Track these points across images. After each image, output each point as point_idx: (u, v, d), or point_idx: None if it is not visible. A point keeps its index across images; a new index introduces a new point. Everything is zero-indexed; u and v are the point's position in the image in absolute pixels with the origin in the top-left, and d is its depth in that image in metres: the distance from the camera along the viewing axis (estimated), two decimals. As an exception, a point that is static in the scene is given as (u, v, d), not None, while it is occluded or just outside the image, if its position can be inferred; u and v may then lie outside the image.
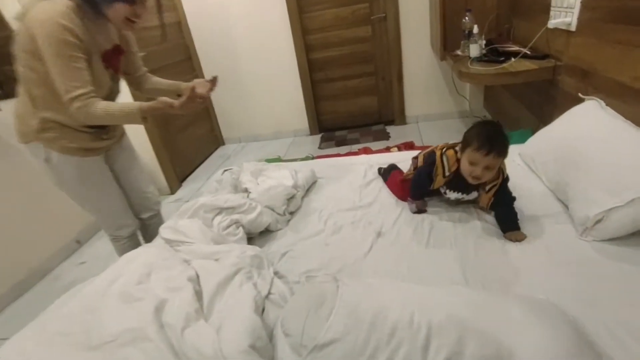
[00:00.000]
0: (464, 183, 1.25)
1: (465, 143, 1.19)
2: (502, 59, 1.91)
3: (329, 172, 1.82)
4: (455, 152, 1.27)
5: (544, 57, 1.82)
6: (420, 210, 1.38)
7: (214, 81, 1.49)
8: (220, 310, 0.89)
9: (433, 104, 3.41)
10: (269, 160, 2.25)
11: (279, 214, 1.44)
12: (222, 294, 0.94)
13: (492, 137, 1.13)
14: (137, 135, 2.73)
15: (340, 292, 0.83)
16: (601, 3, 1.41)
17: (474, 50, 2.06)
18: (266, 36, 3.28)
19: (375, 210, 1.45)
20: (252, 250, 1.11)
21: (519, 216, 1.22)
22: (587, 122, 1.34)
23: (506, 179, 1.25)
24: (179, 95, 1.51)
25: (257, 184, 1.58)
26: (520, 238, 1.17)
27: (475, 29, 2.06)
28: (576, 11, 1.55)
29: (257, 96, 3.57)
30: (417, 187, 1.38)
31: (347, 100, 3.56)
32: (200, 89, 1.45)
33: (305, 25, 3.23)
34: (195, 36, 3.37)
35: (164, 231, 1.21)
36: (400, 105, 3.46)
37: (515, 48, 1.93)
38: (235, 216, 1.31)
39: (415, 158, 1.49)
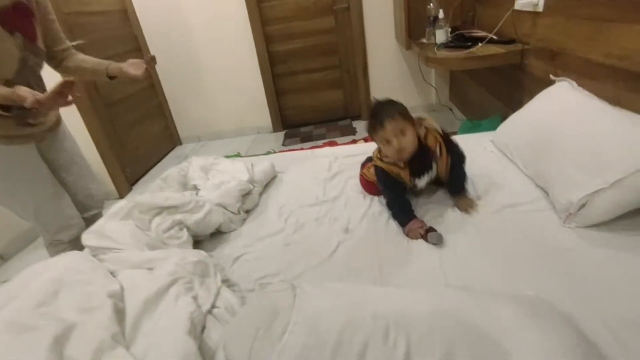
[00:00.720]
0: (419, 163, 1.15)
1: (371, 136, 1.14)
2: (469, 44, 1.83)
3: (290, 166, 1.66)
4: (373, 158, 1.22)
5: (511, 41, 1.75)
6: (439, 239, 1.04)
7: (150, 62, 1.29)
8: (148, 334, 0.70)
9: (399, 97, 3.29)
10: (226, 157, 2.05)
11: (232, 212, 1.26)
12: (152, 311, 0.75)
13: (375, 111, 1.11)
14: (75, 131, 2.43)
15: (297, 304, 0.67)
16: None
17: (440, 36, 1.98)
18: (223, 26, 3.07)
19: (341, 205, 1.30)
20: (195, 255, 0.92)
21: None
22: (560, 103, 1.27)
23: (446, 137, 1.17)
24: (111, 77, 1.30)
25: (207, 180, 1.39)
26: (469, 205, 1.13)
27: (441, 14, 1.97)
28: (543, -11, 1.48)
29: (216, 91, 3.35)
30: (395, 202, 1.18)
31: (311, 94, 3.41)
32: (133, 70, 1.24)
33: (265, 15, 3.05)
34: (144, 25, 3.10)
35: (86, 237, 1.00)
36: (367, 98, 3.35)
37: (481, 33, 1.86)
38: (179, 216, 1.11)
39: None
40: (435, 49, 1.93)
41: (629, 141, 0.97)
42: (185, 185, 1.44)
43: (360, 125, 3.30)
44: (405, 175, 1.16)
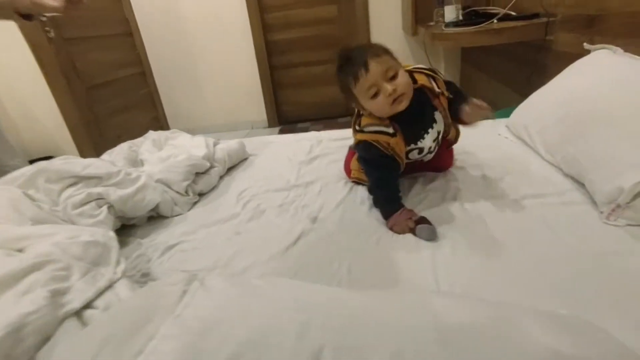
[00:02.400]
0: (418, 116, 0.88)
1: (347, 92, 0.86)
2: (483, 20, 1.57)
3: (265, 149, 1.40)
4: (360, 114, 0.92)
5: (533, 16, 1.49)
6: (431, 234, 0.77)
7: None
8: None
9: (405, 96, 3.08)
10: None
11: (178, 192, 1.00)
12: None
13: (349, 55, 0.83)
14: (45, 114, 2.24)
15: (184, 304, 0.40)
16: None
17: (450, 13, 1.73)
18: (219, 12, 2.87)
19: (315, 191, 1.04)
20: (91, 234, 0.67)
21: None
22: (601, 71, 0.99)
23: (436, 73, 0.90)
24: (24, 16, 1.06)
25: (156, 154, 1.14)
26: (479, 105, 0.80)
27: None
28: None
29: (210, 82, 3.14)
30: (379, 185, 0.91)
31: (311, 89, 3.18)
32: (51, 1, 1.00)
33: (264, 1, 2.85)
34: (136, 9, 2.92)
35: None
36: (370, 96, 3.10)
37: (497, 9, 1.60)
38: (98, 189, 0.86)
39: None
40: (444, 26, 1.68)
41: None
42: (134, 162, 1.20)
43: (362, 124, 3.04)
44: (398, 144, 0.86)
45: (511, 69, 1.80)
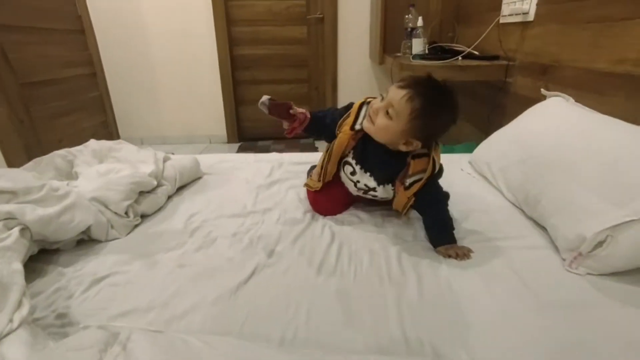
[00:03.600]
0: (376, 158, 0.86)
1: None
2: (448, 55, 1.61)
3: (222, 168, 1.30)
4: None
5: (494, 57, 1.55)
6: (272, 107, 0.85)
7: None
8: None
9: (368, 122, 3.11)
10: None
11: (116, 213, 0.88)
12: None
13: (426, 81, 0.77)
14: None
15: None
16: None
17: (417, 45, 1.76)
18: (183, 19, 2.75)
19: (273, 219, 0.95)
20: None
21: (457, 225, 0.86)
22: (558, 118, 1.03)
23: (437, 174, 0.85)
24: None
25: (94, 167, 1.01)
26: (459, 253, 0.78)
27: (420, 22, 1.77)
28: (535, -4, 1.30)
29: (168, 91, 2.97)
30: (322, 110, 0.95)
31: (274, 107, 3.11)
32: None
33: (232, 14, 2.78)
34: (91, 6, 2.73)
35: None
36: (333, 119, 3.10)
37: (462, 48, 1.66)
38: (9, 207, 0.72)
39: None
40: (411, 58, 1.71)
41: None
42: (67, 175, 1.04)
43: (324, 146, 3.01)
44: (347, 130, 0.87)
45: (472, 106, 1.86)
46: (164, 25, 2.77)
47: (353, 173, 0.91)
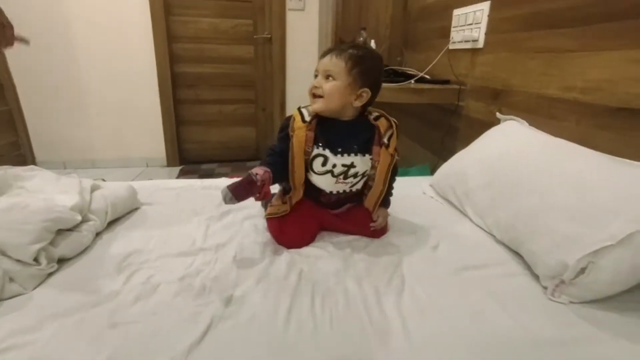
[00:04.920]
0: (341, 132, 0.85)
1: None
2: (402, 78, 1.62)
3: (164, 197, 1.13)
4: None
5: (445, 82, 1.59)
6: (238, 194, 0.75)
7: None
8: None
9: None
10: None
11: (19, 261, 0.68)
12: None
13: (338, 44, 0.82)
14: None
15: None
16: (511, 12, 1.22)
17: (370, 69, 1.76)
18: (117, 29, 2.51)
19: (229, 257, 0.82)
20: None
21: None
22: (519, 140, 1.04)
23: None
24: None
25: (-7, 202, 0.79)
26: (385, 220, 0.94)
27: (373, 44, 1.77)
28: (483, 25, 1.35)
29: (98, 107, 2.66)
30: (268, 155, 0.87)
31: (219, 128, 2.95)
32: None
33: (173, 30, 2.61)
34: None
35: None
36: (283, 141, 3.01)
37: (414, 72, 1.68)
38: None
39: None
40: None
41: (624, 185, 0.72)
42: None
43: (274, 169, 2.89)
44: (302, 128, 0.83)
45: (424, 129, 1.89)
46: (93, 32, 2.49)
47: (325, 162, 0.84)
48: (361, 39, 1.89)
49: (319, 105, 0.82)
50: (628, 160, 0.78)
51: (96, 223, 0.86)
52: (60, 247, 0.76)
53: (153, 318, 0.63)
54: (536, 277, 0.76)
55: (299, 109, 0.87)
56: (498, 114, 1.21)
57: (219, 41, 2.71)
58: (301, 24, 2.69)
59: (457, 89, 1.49)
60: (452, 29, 1.55)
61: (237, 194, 0.75)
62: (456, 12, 1.53)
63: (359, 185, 0.91)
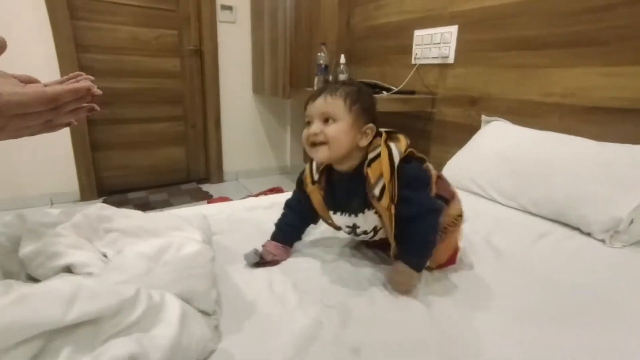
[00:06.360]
0: (343, 189, 0.77)
1: None
2: (377, 89, 1.79)
3: (222, 225, 1.01)
4: None
5: (411, 92, 1.82)
6: (260, 261, 0.78)
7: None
8: None
9: (252, 158, 3.00)
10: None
11: (204, 312, 0.56)
12: None
13: (325, 85, 0.81)
14: None
15: None
16: (480, 36, 1.52)
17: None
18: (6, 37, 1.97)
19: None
20: None
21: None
22: (513, 135, 1.32)
23: (408, 167, 0.71)
24: None
25: (109, 253, 0.61)
26: (406, 283, 0.70)
27: (343, 59, 1.89)
28: (453, 44, 1.62)
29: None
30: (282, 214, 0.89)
31: (145, 150, 2.59)
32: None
33: (82, 37, 2.19)
34: None
35: None
36: (218, 159, 2.84)
37: (384, 85, 1.87)
38: (126, 347, 0.36)
39: None
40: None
41: (632, 156, 1.02)
42: (15, 275, 0.58)
43: (213, 190, 2.71)
44: (316, 197, 0.80)
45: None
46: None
47: (353, 228, 0.79)
48: (321, 53, 1.98)
49: (324, 154, 0.71)
50: (613, 144, 1.10)
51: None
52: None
53: None
54: (587, 234, 1.01)
55: (310, 163, 0.81)
56: (484, 117, 1.49)
57: (141, 53, 2.41)
58: (233, 37, 2.61)
59: (431, 97, 1.74)
60: (416, 47, 1.80)
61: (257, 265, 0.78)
62: (418, 32, 1.79)
63: (381, 235, 0.79)
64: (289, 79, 2.20)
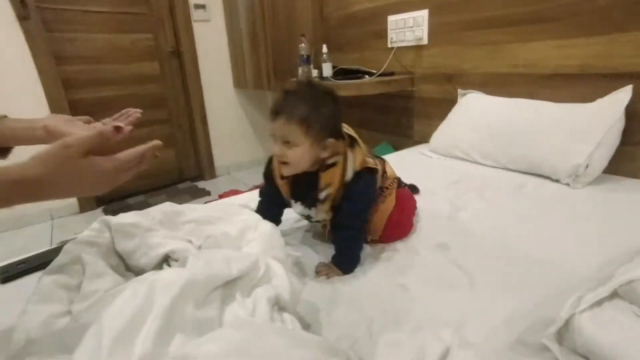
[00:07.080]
0: (306, 185, 0.83)
1: None
2: (360, 74, 1.95)
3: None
4: None
5: (390, 74, 1.99)
6: None
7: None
8: None
9: (241, 151, 3.10)
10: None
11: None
12: None
13: (284, 95, 0.77)
14: None
15: None
16: (450, 18, 1.69)
17: (327, 69, 2.02)
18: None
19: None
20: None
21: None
22: (488, 103, 1.52)
23: (356, 184, 0.80)
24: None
25: (193, 240, 0.74)
26: (324, 273, 0.80)
27: (325, 49, 2.02)
28: (425, 27, 1.79)
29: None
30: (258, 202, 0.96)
31: (137, 155, 2.63)
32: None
33: (60, 50, 2.18)
34: None
35: None
36: (209, 156, 2.92)
37: (364, 69, 2.02)
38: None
39: None
40: (331, 78, 1.94)
41: (585, 114, 1.25)
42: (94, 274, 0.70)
43: (209, 186, 2.80)
44: (284, 189, 0.88)
45: (377, 116, 2.23)
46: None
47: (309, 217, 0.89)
48: (302, 45, 2.09)
49: (288, 171, 0.79)
50: (569, 104, 1.32)
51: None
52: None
53: None
54: (556, 181, 1.23)
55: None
56: (460, 90, 1.68)
57: (118, 60, 2.42)
58: (209, 35, 2.66)
59: (410, 77, 1.92)
60: (391, 31, 1.96)
61: None
62: (391, 17, 1.94)
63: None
64: (273, 71, 2.30)
